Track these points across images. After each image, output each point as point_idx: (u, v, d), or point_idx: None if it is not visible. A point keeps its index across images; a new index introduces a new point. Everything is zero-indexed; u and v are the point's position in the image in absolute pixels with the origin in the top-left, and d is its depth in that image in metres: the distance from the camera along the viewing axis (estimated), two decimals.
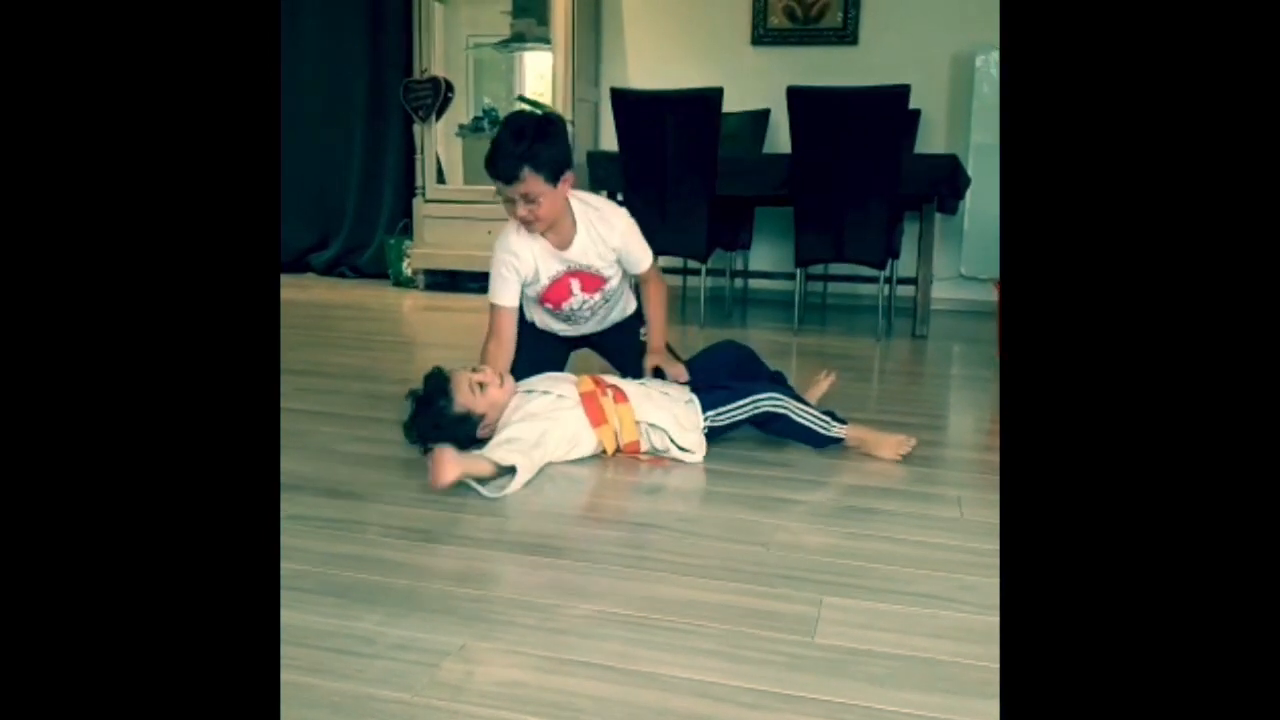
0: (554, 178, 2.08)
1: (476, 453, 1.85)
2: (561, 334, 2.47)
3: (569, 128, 4.80)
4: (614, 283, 2.35)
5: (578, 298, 2.30)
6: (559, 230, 2.21)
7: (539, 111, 2.47)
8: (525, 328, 2.46)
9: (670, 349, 2.43)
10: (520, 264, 2.23)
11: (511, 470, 1.82)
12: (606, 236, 2.24)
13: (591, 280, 2.29)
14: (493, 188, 5.29)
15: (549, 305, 2.32)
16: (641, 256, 2.32)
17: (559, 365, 2.43)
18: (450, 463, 1.74)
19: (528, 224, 2.15)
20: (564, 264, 2.25)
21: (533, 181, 2.05)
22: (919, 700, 1.14)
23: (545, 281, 2.26)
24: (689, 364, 2.33)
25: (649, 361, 2.30)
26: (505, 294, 2.24)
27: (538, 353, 2.32)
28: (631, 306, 2.53)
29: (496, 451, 1.84)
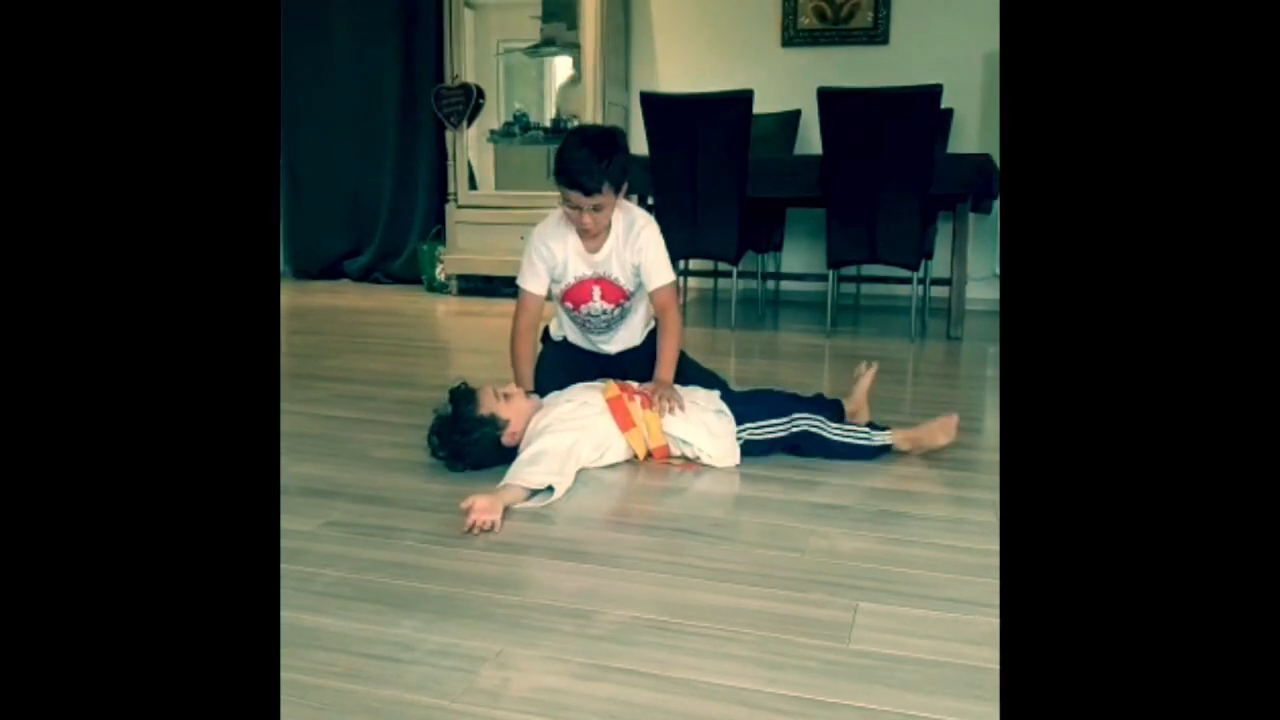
0: (619, 189, 2.18)
1: (506, 482, 1.82)
2: (582, 347, 2.49)
3: None
4: (633, 299, 2.37)
5: (597, 304, 2.34)
6: (599, 234, 2.26)
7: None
8: (556, 349, 2.49)
9: (700, 367, 2.43)
10: (552, 259, 2.29)
11: (547, 489, 1.84)
12: (632, 244, 2.27)
13: (613, 290, 2.32)
14: (524, 193, 5.35)
15: (569, 304, 2.36)
16: (655, 269, 2.28)
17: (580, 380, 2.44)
18: (488, 508, 1.70)
19: (585, 228, 2.21)
20: (591, 268, 2.30)
21: (608, 195, 2.15)
22: (955, 707, 1.13)
23: (571, 280, 2.31)
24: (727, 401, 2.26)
25: (649, 388, 2.18)
26: (533, 281, 2.33)
27: (568, 376, 2.32)
28: (645, 330, 2.49)
29: (525, 473, 1.83)
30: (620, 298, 2.34)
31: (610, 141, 2.15)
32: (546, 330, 2.55)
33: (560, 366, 2.38)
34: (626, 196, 2.28)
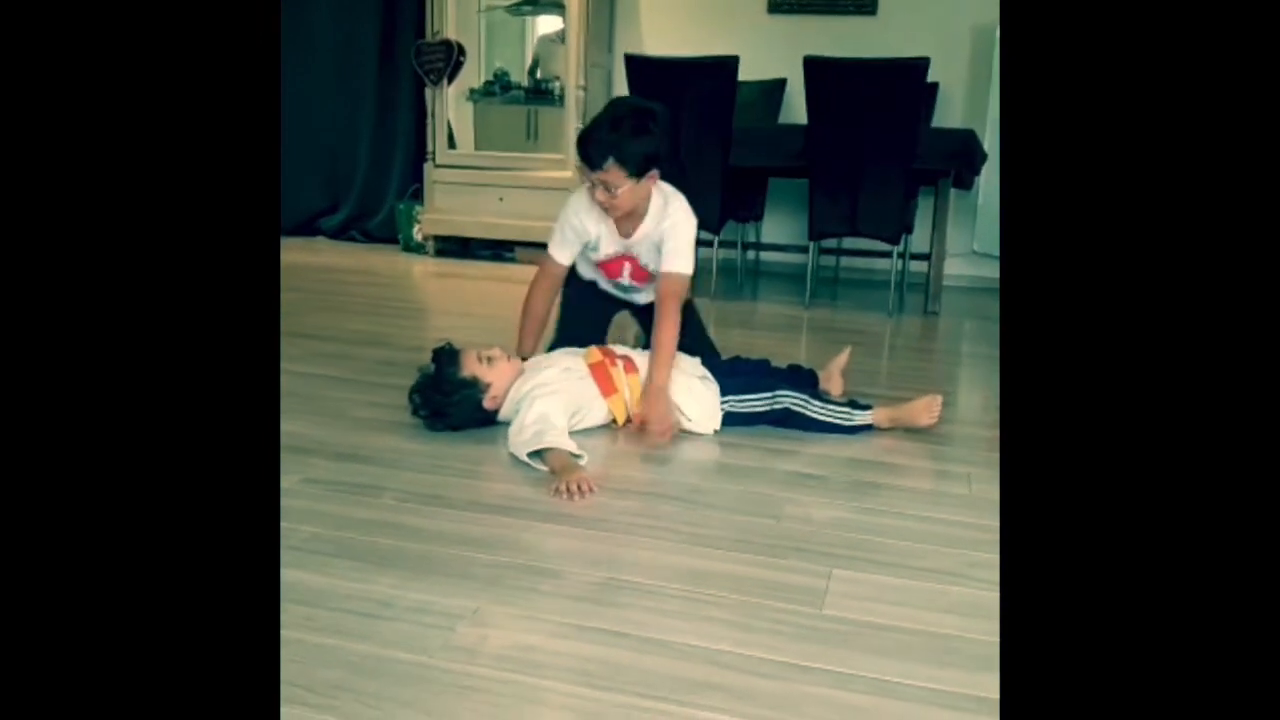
0: (639, 172, 2.06)
1: (555, 449, 1.80)
2: (611, 294, 2.45)
3: (581, 94, 4.76)
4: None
5: (626, 279, 2.31)
6: (630, 218, 2.18)
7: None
8: (584, 291, 2.44)
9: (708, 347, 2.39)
10: (585, 234, 2.24)
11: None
12: (661, 224, 2.17)
13: (641, 272, 2.28)
14: (504, 154, 5.29)
15: (603, 271, 2.34)
16: (675, 254, 2.14)
17: (602, 324, 2.43)
18: (580, 477, 1.72)
19: (603, 208, 2.13)
20: (623, 248, 2.24)
21: (615, 173, 2.04)
22: (926, 673, 1.15)
23: (604, 255, 2.27)
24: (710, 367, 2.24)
25: (642, 403, 2.04)
26: (561, 250, 2.27)
27: (584, 311, 2.27)
28: None
29: (555, 438, 1.82)
30: (648, 278, 2.29)
31: (633, 118, 2.04)
32: (573, 268, 2.40)
33: (586, 309, 2.33)
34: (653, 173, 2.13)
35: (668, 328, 2.08)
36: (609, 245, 2.25)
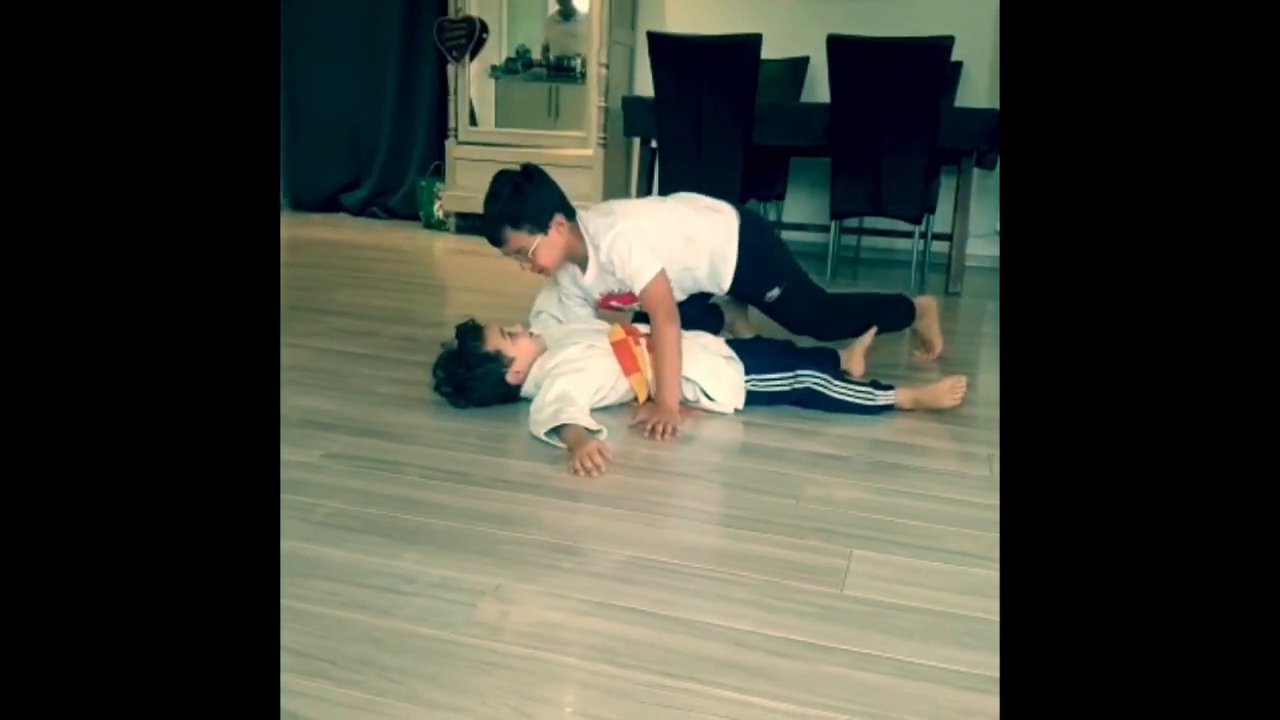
0: (540, 225, 2.07)
1: (572, 426, 1.80)
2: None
3: (603, 71, 4.74)
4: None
5: (634, 306, 2.25)
6: (579, 262, 2.19)
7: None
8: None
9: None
10: (573, 285, 2.26)
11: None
12: (608, 266, 2.14)
13: (626, 299, 2.22)
14: (525, 131, 5.27)
15: (609, 309, 2.33)
16: (636, 277, 2.07)
17: (700, 319, 2.37)
18: (593, 449, 1.71)
19: (543, 273, 2.17)
20: (603, 289, 2.21)
21: (519, 238, 2.07)
22: (947, 654, 1.15)
23: (596, 298, 2.26)
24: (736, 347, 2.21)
25: (645, 409, 2.02)
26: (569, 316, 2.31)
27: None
28: (727, 270, 2.29)
29: (574, 414, 1.82)
30: (632, 298, 2.20)
31: (506, 185, 2.09)
32: None
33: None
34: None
35: (665, 353, 2.02)
36: (595, 290, 2.23)
